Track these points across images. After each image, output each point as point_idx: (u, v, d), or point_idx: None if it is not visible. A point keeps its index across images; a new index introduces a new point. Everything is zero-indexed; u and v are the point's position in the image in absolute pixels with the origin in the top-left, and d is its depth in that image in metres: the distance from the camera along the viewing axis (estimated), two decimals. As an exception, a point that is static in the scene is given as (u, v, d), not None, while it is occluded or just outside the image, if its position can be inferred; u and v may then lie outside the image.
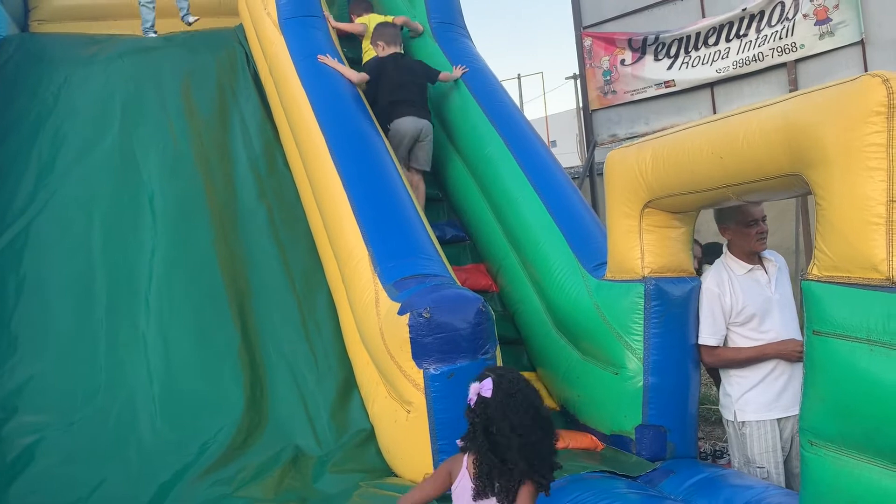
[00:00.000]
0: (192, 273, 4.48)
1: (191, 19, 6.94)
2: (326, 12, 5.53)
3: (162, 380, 3.96)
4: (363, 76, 5.00)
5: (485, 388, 2.04)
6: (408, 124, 4.98)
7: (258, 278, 4.61)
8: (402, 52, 5.34)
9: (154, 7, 6.65)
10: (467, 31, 5.98)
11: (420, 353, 3.03)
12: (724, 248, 3.38)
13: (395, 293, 3.36)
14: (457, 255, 5.00)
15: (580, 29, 9.87)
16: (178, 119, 5.46)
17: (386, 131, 4.87)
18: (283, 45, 5.15)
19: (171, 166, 5.07)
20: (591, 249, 4.06)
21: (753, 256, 3.27)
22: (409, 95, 5.04)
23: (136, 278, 4.32)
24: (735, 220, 3.24)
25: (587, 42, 9.67)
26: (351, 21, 6.02)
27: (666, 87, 8.99)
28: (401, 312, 3.13)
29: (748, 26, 8.14)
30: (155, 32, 6.64)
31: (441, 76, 5.23)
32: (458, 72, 5.34)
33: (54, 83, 5.49)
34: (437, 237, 4.47)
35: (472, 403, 2.07)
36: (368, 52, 5.60)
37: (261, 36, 5.66)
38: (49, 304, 4.12)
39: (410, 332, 3.04)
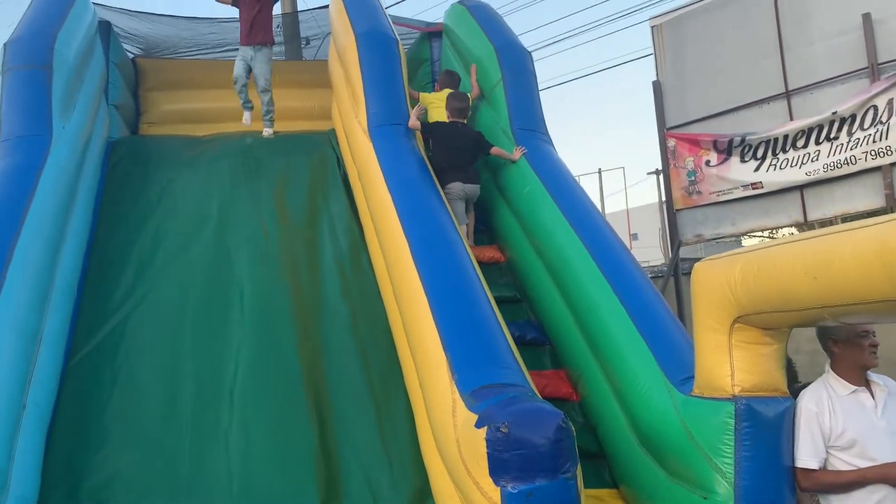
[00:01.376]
0: (274, 370, 4.57)
1: (267, 132, 6.79)
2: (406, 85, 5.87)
3: (241, 478, 4.00)
4: (416, 124, 5.58)
5: None
6: (457, 189, 5.61)
7: (337, 377, 4.66)
8: (465, 121, 5.92)
9: (251, 107, 6.98)
10: (549, 137, 6.09)
11: (498, 469, 2.95)
12: (827, 367, 3.21)
13: (473, 403, 3.32)
14: (536, 359, 4.94)
15: (664, 130, 9.89)
16: (270, 218, 5.71)
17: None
18: (372, 151, 5.37)
19: (261, 264, 5.26)
20: (676, 361, 3.94)
21: (861, 376, 3.09)
22: (461, 162, 5.66)
23: (222, 374, 4.44)
24: (844, 332, 3.09)
25: (671, 143, 9.66)
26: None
27: (753, 188, 8.82)
28: (478, 425, 3.07)
29: (839, 129, 7.97)
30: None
31: (493, 150, 5.72)
32: (517, 153, 5.67)
33: (158, 184, 5.85)
34: (516, 338, 4.44)
35: None
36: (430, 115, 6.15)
37: (351, 141, 5.92)
38: (140, 397, 4.26)
39: (488, 446, 2.97)
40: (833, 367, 3.15)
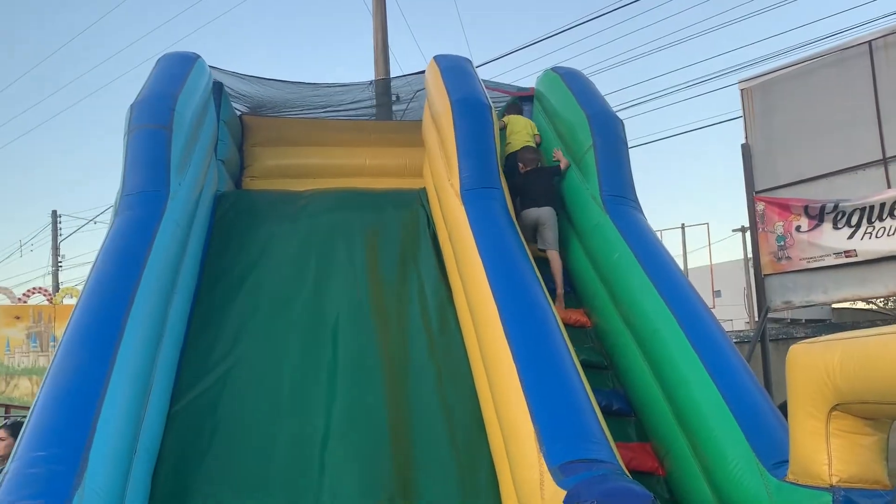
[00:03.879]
0: (362, 429, 4.69)
1: None
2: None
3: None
4: None
5: None
6: (530, 214, 6.32)
7: (423, 438, 4.74)
8: (538, 165, 6.64)
9: None
10: (638, 204, 6.12)
11: (587, 547, 2.98)
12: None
13: (562, 478, 3.36)
14: (622, 430, 4.91)
15: (752, 192, 9.75)
16: (362, 275, 5.91)
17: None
18: (464, 213, 5.52)
19: (354, 321, 5.45)
20: (768, 442, 3.89)
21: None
22: (534, 195, 6.38)
23: (313, 431, 4.58)
24: None
25: (760, 206, 9.51)
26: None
27: (846, 256, 8.58)
28: (567, 502, 3.11)
29: (940, 199, 7.72)
30: None
31: (562, 165, 6.52)
32: (562, 160, 6.52)
33: (260, 238, 6.16)
34: (602, 407, 4.45)
35: None
36: (509, 145, 6.89)
37: (443, 202, 6.11)
38: (237, 449, 4.44)
39: (577, 524, 3.01)
40: None
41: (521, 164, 6.62)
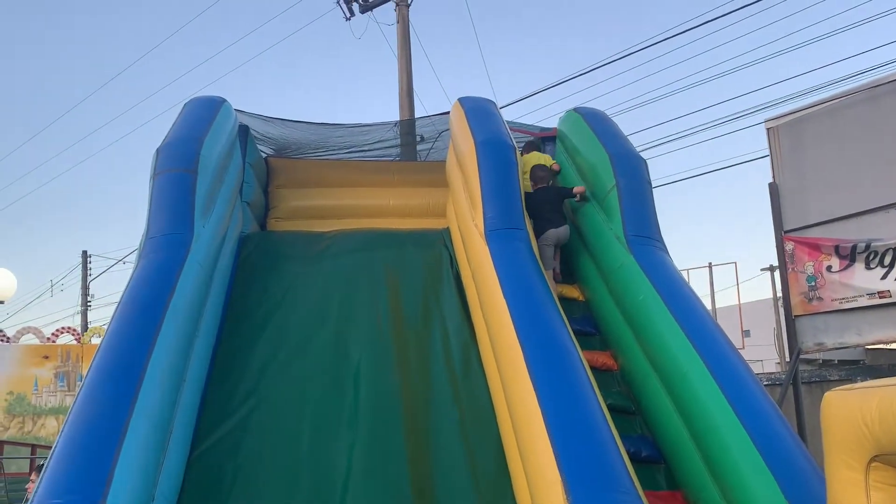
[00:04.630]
0: (384, 472, 4.63)
1: None
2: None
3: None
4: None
5: None
6: (550, 235, 6.46)
7: (445, 483, 4.66)
8: (548, 184, 6.82)
9: None
10: (663, 244, 6.05)
11: None
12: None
13: (590, 529, 3.25)
14: (651, 477, 4.77)
15: (781, 232, 9.61)
16: (385, 315, 5.88)
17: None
18: (488, 254, 5.48)
19: (375, 363, 5.41)
20: (803, 493, 3.78)
21: None
22: (548, 214, 6.54)
23: (334, 474, 4.53)
24: None
25: (789, 246, 9.36)
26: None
27: (880, 297, 8.38)
28: (596, 555, 3.01)
29: (977, 238, 7.53)
30: None
31: (575, 189, 6.64)
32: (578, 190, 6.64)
33: (283, 279, 6.17)
34: (630, 454, 4.33)
35: None
36: (524, 178, 6.82)
37: (467, 242, 6.08)
38: (258, 495, 4.39)
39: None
40: None
41: (532, 182, 6.79)
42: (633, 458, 4.45)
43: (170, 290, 4.84)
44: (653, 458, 4.92)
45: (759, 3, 11.92)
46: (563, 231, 6.56)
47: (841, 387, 3.41)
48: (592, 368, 5.05)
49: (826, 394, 3.46)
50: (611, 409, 4.52)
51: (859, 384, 3.32)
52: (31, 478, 4.93)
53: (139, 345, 4.30)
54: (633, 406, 5.36)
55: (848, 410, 3.22)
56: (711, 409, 4.47)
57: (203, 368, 5.06)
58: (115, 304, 4.82)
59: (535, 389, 4.25)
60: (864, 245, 8.49)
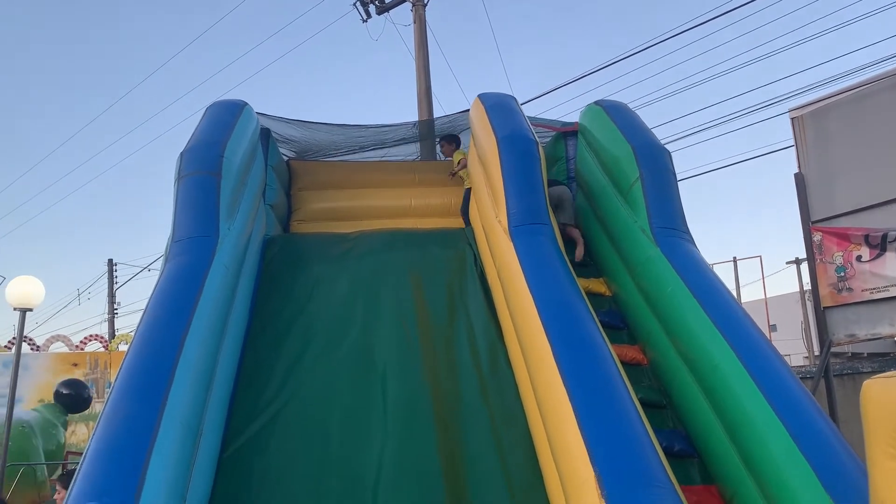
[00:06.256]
0: (415, 472, 4.60)
1: None
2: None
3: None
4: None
5: None
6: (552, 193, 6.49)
7: (477, 481, 4.63)
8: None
9: None
10: (690, 235, 5.96)
11: None
12: None
13: (626, 525, 3.20)
14: (685, 472, 4.68)
15: (808, 223, 9.46)
16: (410, 315, 5.86)
17: None
18: (513, 250, 5.43)
19: (403, 363, 5.38)
20: (844, 485, 3.68)
21: None
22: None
23: (365, 476, 4.50)
24: None
25: (817, 237, 9.20)
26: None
27: (913, 285, 8.21)
28: (634, 550, 2.95)
29: None
30: None
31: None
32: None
33: (308, 281, 6.17)
34: (664, 448, 4.26)
35: None
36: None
37: (491, 239, 6.03)
38: (287, 494, 4.38)
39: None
40: None
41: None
42: (666, 453, 4.35)
43: (197, 292, 4.84)
44: (686, 453, 4.84)
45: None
46: (561, 189, 7.10)
47: (880, 375, 3.33)
48: (622, 362, 4.98)
49: (866, 381, 3.38)
50: (642, 403, 4.44)
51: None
52: (57, 488, 4.96)
53: (168, 346, 4.30)
54: (665, 400, 5.28)
55: (889, 397, 3.14)
56: (745, 401, 4.39)
57: (231, 369, 5.07)
58: (142, 310, 4.83)
59: (565, 386, 4.19)
60: (895, 234, 8.34)
